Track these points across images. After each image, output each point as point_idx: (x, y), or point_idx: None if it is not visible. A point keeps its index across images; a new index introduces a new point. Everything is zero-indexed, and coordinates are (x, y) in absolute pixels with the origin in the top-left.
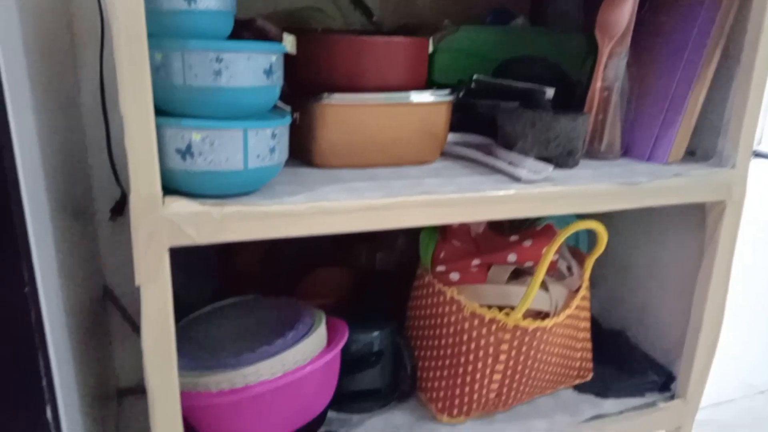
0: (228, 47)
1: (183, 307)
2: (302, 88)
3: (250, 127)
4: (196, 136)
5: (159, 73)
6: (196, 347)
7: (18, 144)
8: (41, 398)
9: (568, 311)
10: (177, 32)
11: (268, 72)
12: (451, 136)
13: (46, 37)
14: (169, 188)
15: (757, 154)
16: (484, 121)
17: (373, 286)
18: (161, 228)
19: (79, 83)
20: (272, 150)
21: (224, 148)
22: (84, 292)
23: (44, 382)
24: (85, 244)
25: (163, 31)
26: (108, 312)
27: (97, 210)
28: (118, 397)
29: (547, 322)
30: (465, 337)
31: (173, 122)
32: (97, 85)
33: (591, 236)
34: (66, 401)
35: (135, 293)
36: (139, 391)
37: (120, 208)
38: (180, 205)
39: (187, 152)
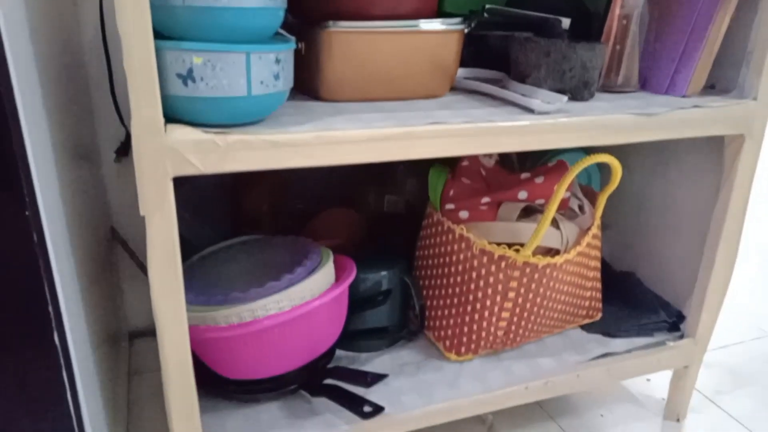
0: None
1: (192, 250)
2: (307, 18)
3: (253, 51)
4: (197, 60)
5: None
6: (204, 284)
7: (17, 84)
8: (51, 339)
9: (579, 248)
10: None
11: None
12: (462, 71)
13: None
14: (172, 117)
15: None
16: (497, 55)
17: (382, 228)
18: (164, 156)
19: (80, 22)
20: (276, 76)
21: (226, 73)
22: (91, 234)
23: (54, 323)
24: (91, 185)
25: None
26: (117, 255)
27: (103, 152)
28: (130, 339)
29: (557, 259)
30: (474, 275)
31: (173, 45)
32: (98, 23)
33: (604, 174)
34: (76, 341)
35: (143, 235)
36: (150, 333)
37: (125, 148)
38: (183, 132)
39: (188, 77)
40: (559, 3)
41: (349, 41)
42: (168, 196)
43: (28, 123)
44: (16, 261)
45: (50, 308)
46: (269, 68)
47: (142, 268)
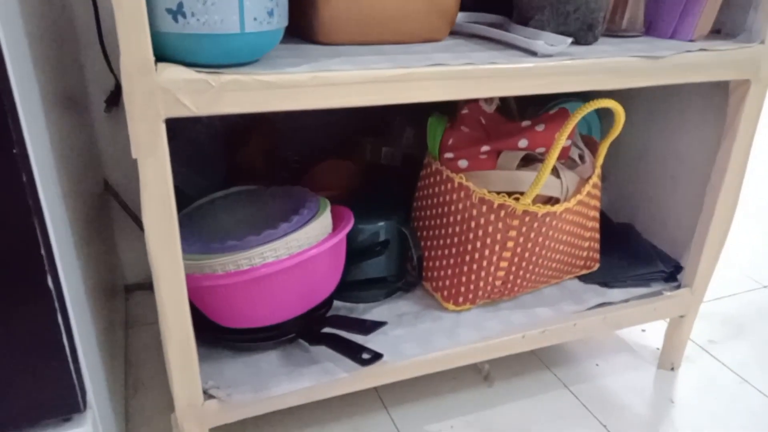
0: None
1: (187, 201)
2: None
3: None
4: None
5: None
6: (200, 233)
7: (3, 34)
8: (45, 284)
9: (579, 197)
10: None
11: None
12: (463, 15)
13: None
14: (162, 56)
15: None
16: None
17: (379, 180)
18: (156, 97)
19: None
20: (270, 13)
21: (218, 8)
22: (83, 184)
23: (47, 267)
24: (82, 136)
25: None
26: (111, 208)
27: (93, 102)
28: (126, 293)
29: (557, 208)
30: (473, 224)
31: None
32: None
33: (604, 124)
34: (71, 288)
35: (136, 187)
36: (145, 287)
37: (115, 98)
38: (175, 72)
39: (178, 12)
40: None
41: None
42: (161, 139)
43: (15, 72)
44: (6, 207)
45: (43, 252)
46: (263, 4)
47: (136, 220)
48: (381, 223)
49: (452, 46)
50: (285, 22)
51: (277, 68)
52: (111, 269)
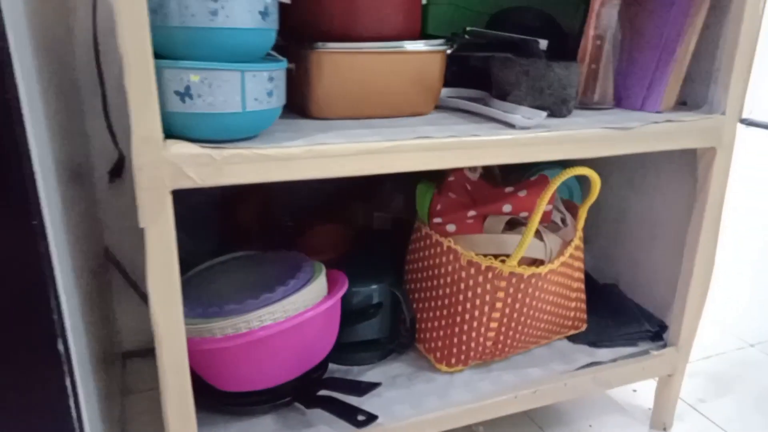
0: None
1: (184, 265)
2: (297, 37)
3: (248, 69)
4: (194, 78)
5: (156, 14)
6: (199, 298)
7: (28, 109)
8: (56, 348)
9: (563, 258)
10: None
11: (264, 14)
12: (446, 91)
13: (42, 2)
14: (169, 133)
15: (750, 123)
16: (478, 75)
17: (371, 245)
18: (163, 170)
19: (73, 46)
20: (270, 94)
21: (222, 90)
22: (87, 253)
23: (58, 332)
24: (86, 206)
25: None
26: (109, 275)
27: (96, 173)
28: (122, 360)
29: (542, 269)
30: (462, 286)
31: (171, 63)
32: (90, 45)
33: (584, 189)
34: (78, 354)
35: (136, 256)
36: (142, 354)
37: (118, 170)
38: (181, 147)
39: (185, 94)
40: (537, 25)
41: (337, 61)
42: (167, 209)
43: (36, 144)
44: (24, 274)
45: (55, 317)
46: (263, 86)
47: (135, 287)
48: (374, 286)
49: (436, 120)
50: (283, 102)
51: (274, 142)
52: (110, 336)
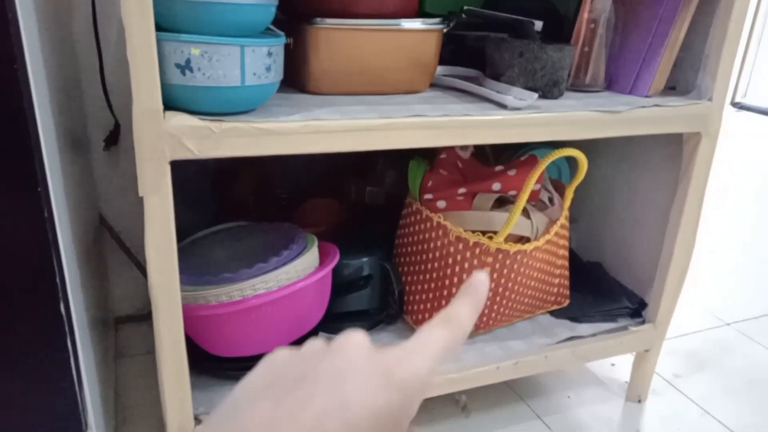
0: None
1: (180, 234)
2: (296, 13)
3: (247, 44)
4: (195, 51)
5: None
6: (195, 266)
7: (34, 82)
8: (58, 310)
9: (548, 237)
10: None
11: None
12: (441, 69)
13: None
14: (169, 105)
15: (742, 107)
16: (474, 54)
17: (363, 218)
18: (163, 141)
19: (72, 14)
20: (268, 68)
21: (222, 64)
22: (84, 220)
23: (60, 295)
24: (82, 173)
25: None
26: (103, 242)
27: (92, 140)
28: (115, 325)
29: (528, 246)
30: (450, 261)
31: (173, 36)
32: (89, 15)
33: (572, 167)
34: (79, 322)
35: (130, 223)
36: (134, 319)
37: (114, 137)
38: (181, 119)
39: (186, 67)
40: (533, 6)
41: (334, 37)
42: (166, 179)
43: (40, 112)
44: (29, 239)
45: (58, 281)
46: (262, 61)
47: (129, 254)
48: (364, 259)
49: (431, 98)
50: (280, 77)
51: (272, 116)
52: (104, 302)
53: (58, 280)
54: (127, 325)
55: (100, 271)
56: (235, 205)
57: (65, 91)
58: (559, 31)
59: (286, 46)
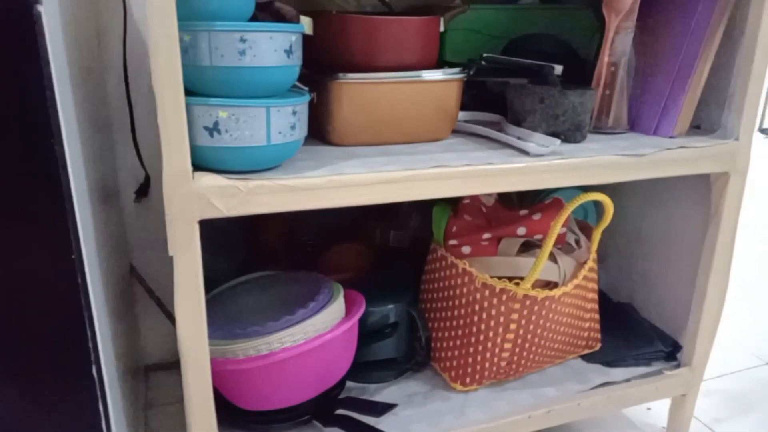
0: (252, 27)
1: (209, 283)
2: (319, 69)
3: (273, 105)
4: (222, 114)
5: (187, 53)
6: (223, 318)
7: (65, 130)
8: (89, 372)
9: (576, 281)
10: (203, 15)
11: (289, 52)
12: (462, 114)
13: (79, 30)
14: (197, 165)
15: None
16: (494, 99)
17: (388, 263)
18: (192, 201)
19: (104, 69)
20: (293, 126)
21: (249, 125)
22: (115, 270)
23: (92, 357)
24: (113, 223)
25: (190, 13)
26: (133, 290)
27: (123, 191)
28: (147, 372)
29: (556, 292)
30: (477, 307)
31: (201, 101)
32: (121, 71)
33: (599, 210)
34: (108, 374)
35: (159, 273)
36: (164, 367)
37: (144, 189)
38: (209, 179)
39: (214, 129)
40: (552, 50)
41: (357, 91)
42: (195, 238)
43: (72, 168)
44: (60, 292)
45: (90, 343)
46: (287, 119)
47: (159, 303)
48: (391, 306)
49: (453, 146)
50: (305, 133)
51: (297, 172)
52: (134, 350)
53: (88, 331)
54: (157, 373)
55: (130, 320)
56: (262, 252)
57: (97, 143)
58: (579, 74)
59: (310, 101)
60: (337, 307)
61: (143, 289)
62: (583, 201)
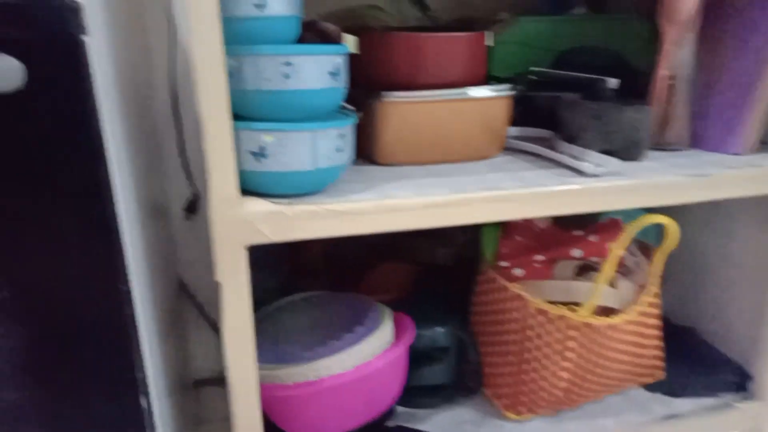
0: (296, 51)
1: (255, 303)
2: (364, 87)
3: (319, 129)
4: (268, 138)
5: (232, 78)
6: (270, 341)
7: (112, 151)
8: (136, 387)
9: (638, 307)
10: (248, 38)
11: (334, 74)
12: (511, 130)
13: (126, 43)
14: (243, 188)
15: None
16: (545, 114)
17: (435, 281)
18: (238, 227)
19: (152, 85)
20: (339, 150)
21: (294, 150)
22: (164, 287)
23: (138, 372)
24: (162, 240)
25: (234, 37)
26: (183, 306)
27: (172, 208)
28: (195, 388)
29: (616, 319)
30: (531, 334)
31: (246, 125)
32: (168, 87)
33: (659, 228)
34: (156, 392)
35: (208, 288)
36: (214, 382)
37: (193, 206)
38: (255, 204)
39: (260, 154)
40: (604, 62)
41: (402, 111)
42: (242, 264)
43: (120, 184)
44: (107, 308)
45: (134, 347)
46: (333, 143)
47: (208, 319)
48: (440, 329)
49: (503, 164)
50: (351, 156)
51: (343, 195)
52: (183, 365)
53: (135, 347)
54: (207, 388)
55: (180, 336)
56: (304, 268)
57: (146, 160)
58: (634, 87)
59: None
60: (385, 332)
61: (192, 304)
62: (646, 224)
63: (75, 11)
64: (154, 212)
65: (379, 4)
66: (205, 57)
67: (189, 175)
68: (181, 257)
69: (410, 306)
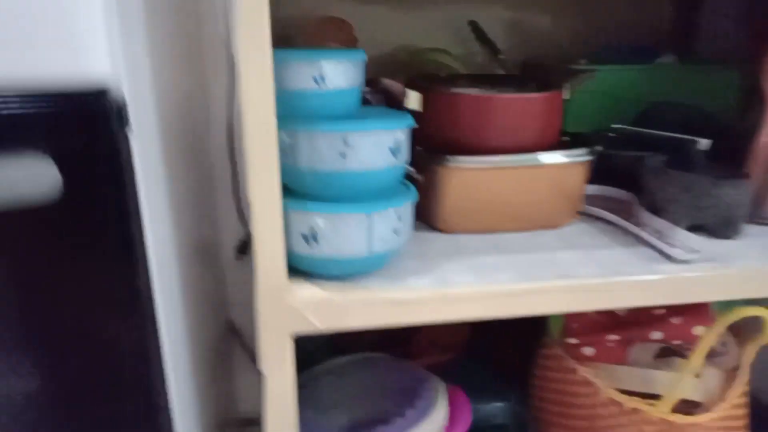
0: (355, 128)
1: (300, 358)
2: (426, 146)
3: (375, 211)
4: (319, 221)
5: (286, 154)
6: (315, 413)
7: (144, 190)
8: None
9: (725, 405)
10: (305, 112)
11: (394, 150)
12: (588, 188)
13: (177, 91)
14: (290, 265)
15: None
16: (625, 174)
17: (488, 342)
18: (285, 316)
19: (209, 125)
20: (396, 231)
21: (348, 234)
22: (209, 326)
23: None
24: (211, 278)
25: (291, 111)
26: (231, 343)
27: (224, 247)
28: (242, 426)
29: (701, 418)
30: (600, 424)
31: (298, 206)
32: (224, 125)
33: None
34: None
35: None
36: (259, 422)
37: (244, 247)
38: (304, 292)
39: (311, 237)
40: (693, 120)
41: (467, 177)
42: (287, 354)
43: (152, 223)
44: (133, 357)
45: (160, 394)
46: (390, 224)
47: (255, 360)
48: (499, 404)
49: (575, 237)
50: (409, 236)
51: (399, 278)
52: (228, 404)
53: (161, 392)
54: (253, 426)
55: (225, 374)
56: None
57: (194, 203)
58: (727, 147)
59: (416, 182)
60: (438, 417)
61: (241, 345)
62: (741, 317)
63: (120, 110)
64: (202, 251)
65: (447, 49)
66: (257, 135)
67: (242, 216)
68: (230, 297)
69: (464, 371)
